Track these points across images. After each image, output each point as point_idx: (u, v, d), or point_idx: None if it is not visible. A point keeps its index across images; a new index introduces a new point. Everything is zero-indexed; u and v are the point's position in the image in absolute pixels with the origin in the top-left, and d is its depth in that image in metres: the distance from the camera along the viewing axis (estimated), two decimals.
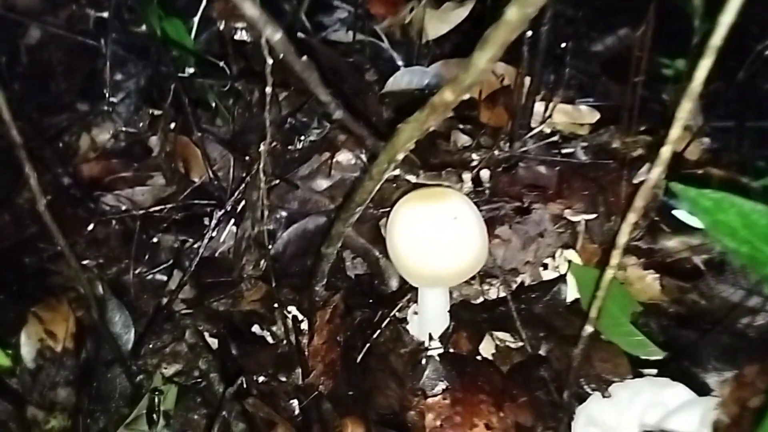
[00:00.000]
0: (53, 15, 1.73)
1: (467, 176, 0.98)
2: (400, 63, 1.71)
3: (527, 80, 1.39)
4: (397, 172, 0.79)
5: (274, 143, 1.22)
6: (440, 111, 0.60)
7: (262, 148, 0.84)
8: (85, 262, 1.32)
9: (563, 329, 1.12)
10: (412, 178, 0.85)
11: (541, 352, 1.10)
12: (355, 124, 0.78)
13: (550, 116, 1.47)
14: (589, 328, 0.86)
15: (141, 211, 1.34)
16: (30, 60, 1.72)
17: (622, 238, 0.74)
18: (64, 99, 1.66)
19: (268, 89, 0.83)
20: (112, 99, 1.53)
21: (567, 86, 1.56)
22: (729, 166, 1.37)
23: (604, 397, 0.99)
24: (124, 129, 1.55)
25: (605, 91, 1.75)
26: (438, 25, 1.69)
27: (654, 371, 1.06)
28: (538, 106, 1.49)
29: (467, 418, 0.96)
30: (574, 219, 1.16)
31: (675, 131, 0.63)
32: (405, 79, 1.58)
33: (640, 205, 0.70)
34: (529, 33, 1.24)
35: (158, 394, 1.04)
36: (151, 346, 1.18)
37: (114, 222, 1.38)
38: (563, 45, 1.52)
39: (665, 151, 0.65)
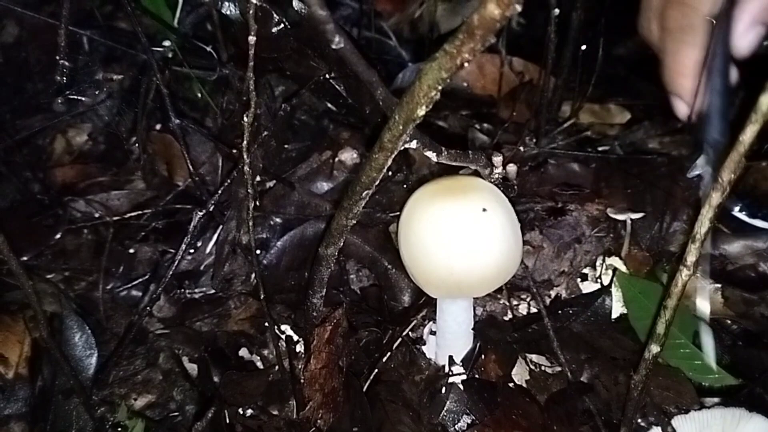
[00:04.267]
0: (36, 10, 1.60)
1: (498, 159, 0.80)
2: (408, 60, 1.57)
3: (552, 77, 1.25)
4: (414, 144, 0.62)
5: (266, 134, 1.05)
6: (481, 36, 0.43)
7: (246, 122, 0.68)
8: (50, 276, 1.14)
9: (610, 351, 0.95)
10: (432, 156, 0.68)
11: (584, 378, 0.93)
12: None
13: (577, 113, 1.31)
14: (654, 348, 0.68)
15: (115, 218, 1.17)
16: (6, 59, 1.58)
17: (703, 228, 0.57)
18: (40, 99, 1.51)
19: (251, 63, 0.68)
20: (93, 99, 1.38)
21: (594, 85, 1.40)
22: None
23: None
24: (104, 131, 1.40)
25: (635, 90, 1.61)
26: (452, 18, 1.56)
27: (716, 399, 0.90)
28: (564, 107, 1.34)
29: None
30: (619, 218, 0.98)
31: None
32: (415, 75, 1.43)
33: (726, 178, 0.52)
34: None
35: (121, 431, 0.85)
36: (120, 373, 1.01)
37: (86, 231, 1.21)
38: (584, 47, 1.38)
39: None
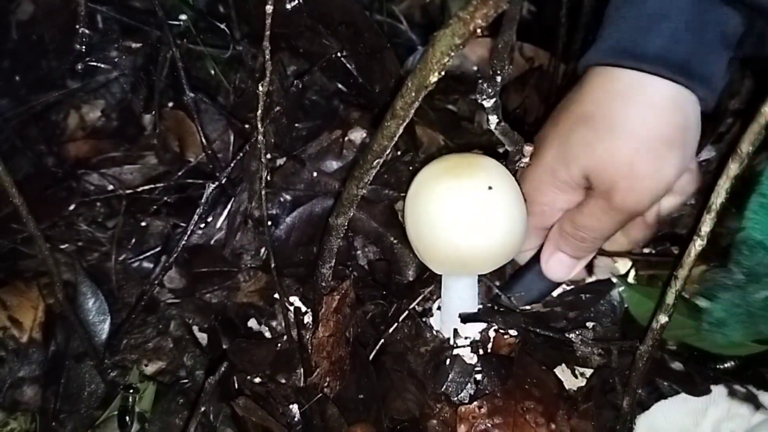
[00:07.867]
0: None
1: (529, 149, 0.83)
2: (419, 44, 1.59)
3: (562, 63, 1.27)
4: (488, 103, 0.64)
5: (278, 109, 1.07)
6: (494, 1, 0.44)
7: (261, 91, 0.69)
8: (63, 246, 1.17)
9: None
10: (494, 121, 0.71)
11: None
12: None
13: None
14: (663, 318, 0.70)
15: (128, 191, 1.19)
16: (21, 36, 1.59)
17: (719, 198, 0.58)
18: (54, 76, 1.53)
19: (267, 32, 0.69)
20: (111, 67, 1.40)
21: None
22: None
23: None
24: (117, 107, 1.42)
25: None
26: (462, 3, 1.56)
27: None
28: None
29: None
30: None
31: None
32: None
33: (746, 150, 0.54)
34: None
35: (133, 393, 0.88)
36: (131, 341, 1.03)
37: (98, 203, 1.24)
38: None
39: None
